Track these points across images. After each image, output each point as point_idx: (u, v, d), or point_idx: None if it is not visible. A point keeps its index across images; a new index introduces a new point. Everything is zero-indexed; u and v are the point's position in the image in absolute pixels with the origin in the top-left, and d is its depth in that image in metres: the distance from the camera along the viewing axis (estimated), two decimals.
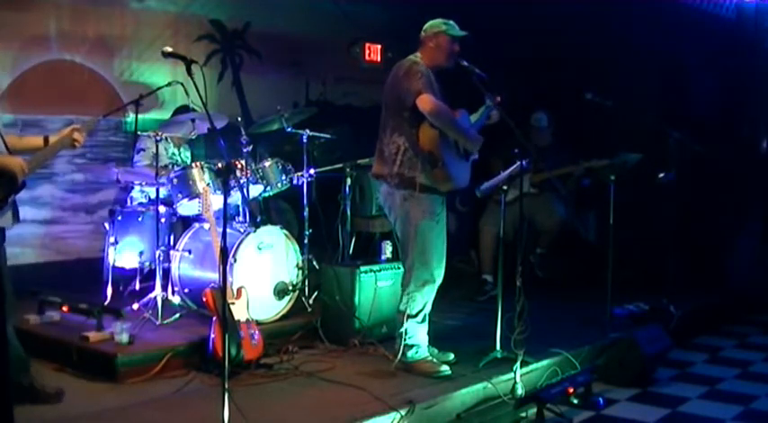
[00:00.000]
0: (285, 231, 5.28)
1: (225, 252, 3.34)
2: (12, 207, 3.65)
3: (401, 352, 4.46)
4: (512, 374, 4.30)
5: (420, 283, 4.38)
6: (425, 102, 4.13)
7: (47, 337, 4.65)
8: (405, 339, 4.45)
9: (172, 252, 5.18)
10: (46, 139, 3.86)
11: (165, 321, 4.88)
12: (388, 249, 5.26)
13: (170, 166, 5.48)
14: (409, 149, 4.26)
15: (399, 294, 4.69)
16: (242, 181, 5.25)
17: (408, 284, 4.42)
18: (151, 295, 5.06)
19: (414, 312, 4.40)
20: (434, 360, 4.46)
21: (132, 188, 5.81)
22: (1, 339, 3.13)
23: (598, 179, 6.27)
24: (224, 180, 3.69)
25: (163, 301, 4.95)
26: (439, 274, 4.47)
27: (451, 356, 4.59)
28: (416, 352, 4.46)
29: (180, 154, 5.97)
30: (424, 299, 4.41)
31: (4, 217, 3.63)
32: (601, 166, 6.16)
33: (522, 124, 5.35)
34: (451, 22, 4.44)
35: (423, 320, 4.46)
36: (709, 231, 7.03)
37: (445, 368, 4.39)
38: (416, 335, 4.45)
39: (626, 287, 5.74)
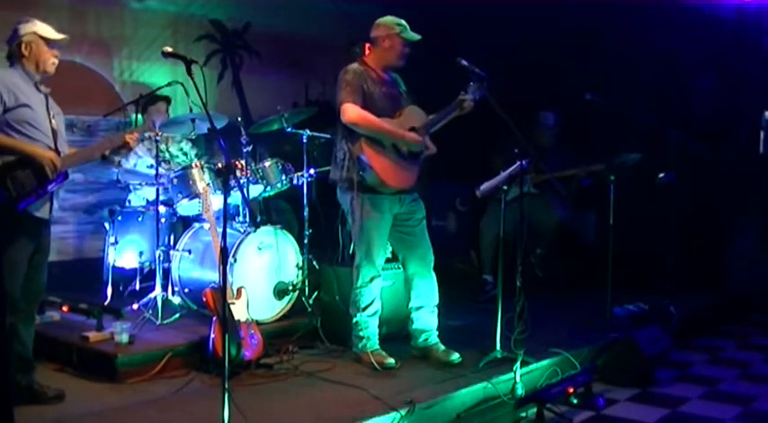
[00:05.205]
0: (285, 231, 5.28)
1: (225, 252, 3.34)
2: (49, 199, 3.77)
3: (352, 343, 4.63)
4: (512, 374, 4.31)
5: (368, 279, 4.53)
6: (344, 112, 4.35)
7: (47, 337, 4.63)
8: (356, 331, 4.59)
9: (172, 252, 5.19)
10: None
11: (165, 321, 4.89)
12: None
13: (170, 166, 5.48)
14: (350, 155, 4.43)
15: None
16: (242, 181, 5.25)
17: (357, 280, 4.55)
18: (151, 295, 5.06)
19: (363, 306, 4.54)
20: (382, 352, 4.56)
21: (132, 188, 5.81)
22: (1, 339, 3.12)
23: (598, 179, 6.27)
24: (224, 180, 3.69)
25: (163, 301, 4.96)
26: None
27: (456, 355, 4.59)
28: (365, 344, 4.57)
29: (180, 154, 5.97)
30: (373, 294, 4.56)
31: (42, 207, 3.73)
32: (602, 170, 6.16)
33: (522, 125, 5.34)
34: (403, 22, 4.52)
35: (374, 314, 4.58)
36: (708, 231, 7.03)
37: (390, 361, 4.49)
38: (367, 327, 4.57)
39: (626, 287, 5.74)
